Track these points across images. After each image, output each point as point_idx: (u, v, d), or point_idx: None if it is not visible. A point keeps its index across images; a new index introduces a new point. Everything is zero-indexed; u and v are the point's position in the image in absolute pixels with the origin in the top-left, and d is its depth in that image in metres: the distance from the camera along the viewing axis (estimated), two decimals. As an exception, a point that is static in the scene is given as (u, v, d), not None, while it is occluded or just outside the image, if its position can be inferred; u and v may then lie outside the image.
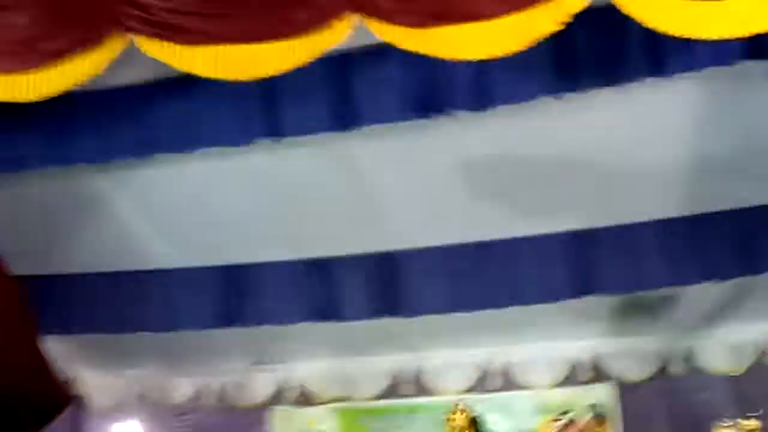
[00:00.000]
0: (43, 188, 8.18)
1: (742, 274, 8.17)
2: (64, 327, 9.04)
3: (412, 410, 11.14)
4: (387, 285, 8.88)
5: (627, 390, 10.59)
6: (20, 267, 7.83)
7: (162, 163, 7.79)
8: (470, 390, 10.98)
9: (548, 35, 5.27)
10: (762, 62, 6.66)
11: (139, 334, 9.12)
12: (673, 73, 6.71)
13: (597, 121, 7.44)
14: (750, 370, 10.27)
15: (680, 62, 6.62)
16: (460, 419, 8.50)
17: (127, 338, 9.35)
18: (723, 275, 8.20)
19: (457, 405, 8.83)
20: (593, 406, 10.57)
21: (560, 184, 8.02)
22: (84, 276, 8.86)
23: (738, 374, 10.32)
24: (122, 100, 7.40)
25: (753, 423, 8.05)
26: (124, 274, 8.83)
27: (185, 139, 7.36)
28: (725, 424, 8.12)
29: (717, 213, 8.14)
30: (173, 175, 8.07)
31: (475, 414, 8.53)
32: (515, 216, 8.36)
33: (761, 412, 9.94)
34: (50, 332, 9.12)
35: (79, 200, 8.27)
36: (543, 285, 8.69)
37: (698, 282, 8.27)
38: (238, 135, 7.35)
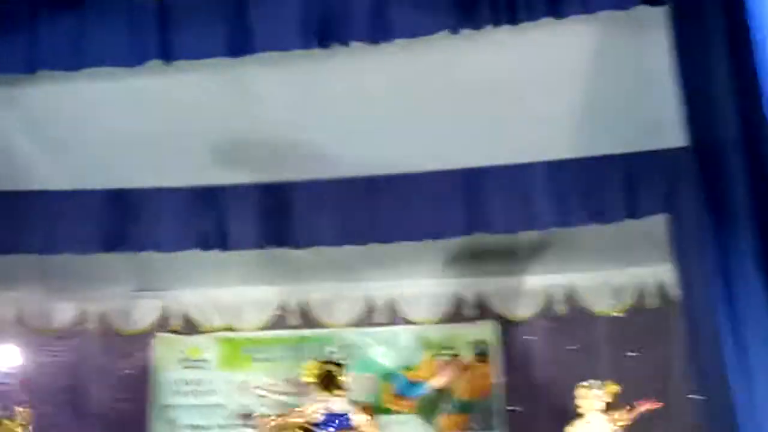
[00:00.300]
0: (-77, 103, 7.91)
1: (626, 217, 8.30)
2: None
3: (297, 341, 11.17)
4: (276, 215, 8.81)
5: (510, 328, 10.78)
6: None
7: (47, 80, 7.55)
8: (355, 323, 11.06)
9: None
10: (656, 7, 6.74)
11: (19, 255, 8.90)
12: (569, 14, 6.75)
13: (493, 59, 7.46)
14: (629, 311, 10.55)
15: (576, 4, 6.67)
16: (313, 373, 8.46)
17: (7, 259, 9.13)
18: (607, 218, 8.33)
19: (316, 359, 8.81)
20: (476, 343, 10.77)
21: (453, 121, 8.03)
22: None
23: (618, 315, 10.60)
24: (8, 14, 7.13)
25: (614, 387, 8.28)
26: (5, 194, 8.59)
27: (72, 57, 7.14)
28: (586, 384, 8.33)
29: (604, 156, 8.25)
30: (59, 94, 7.84)
31: (332, 366, 8.49)
32: (406, 151, 8.36)
33: (640, 350, 10.28)
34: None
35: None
36: (431, 221, 8.72)
37: (583, 224, 8.40)
38: (129, 55, 7.15)
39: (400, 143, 8.28)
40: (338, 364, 8.55)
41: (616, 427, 8.22)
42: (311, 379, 8.29)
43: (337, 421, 8.08)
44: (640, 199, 8.21)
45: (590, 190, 8.24)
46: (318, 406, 8.16)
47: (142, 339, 11.12)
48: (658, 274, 10.31)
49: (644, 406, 8.36)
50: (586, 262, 10.20)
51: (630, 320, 10.52)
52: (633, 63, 7.43)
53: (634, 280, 10.52)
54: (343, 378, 8.37)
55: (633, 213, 8.25)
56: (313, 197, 8.77)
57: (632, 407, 8.36)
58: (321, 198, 8.76)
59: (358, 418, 8.14)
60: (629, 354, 10.40)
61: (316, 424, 8.10)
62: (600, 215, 8.28)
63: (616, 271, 10.47)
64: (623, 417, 8.26)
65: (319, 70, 7.62)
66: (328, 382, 8.24)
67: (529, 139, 8.14)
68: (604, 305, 10.60)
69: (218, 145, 8.27)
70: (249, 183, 8.72)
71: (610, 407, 8.27)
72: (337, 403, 8.19)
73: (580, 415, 8.31)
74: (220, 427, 10.88)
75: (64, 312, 11.09)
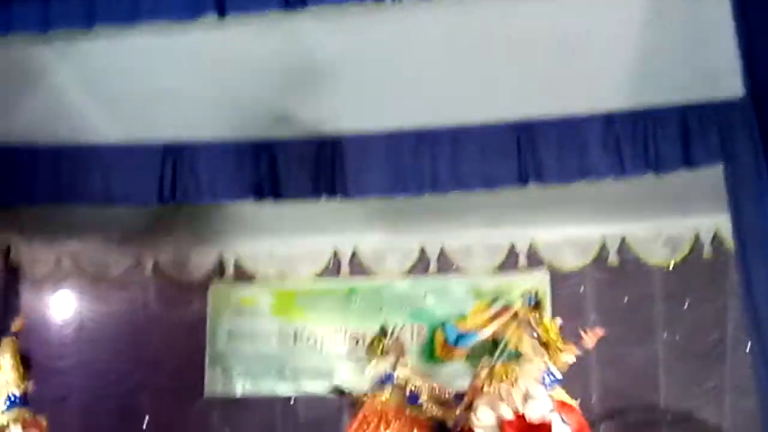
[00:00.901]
0: (-18, 58, 7.99)
1: (681, 167, 8.23)
2: (2, 197, 8.93)
3: (350, 292, 11.25)
4: (328, 166, 8.84)
5: (562, 278, 10.78)
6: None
7: (104, 35, 7.61)
8: (408, 273, 11.11)
9: None
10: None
11: (76, 207, 9.03)
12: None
13: (549, 9, 7.39)
14: (682, 263, 10.49)
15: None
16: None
17: (65, 210, 9.26)
18: (662, 168, 8.27)
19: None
20: (527, 293, 10.76)
21: (507, 72, 7.98)
22: (22, 147, 8.71)
23: (670, 266, 10.54)
24: (65, -30, 7.19)
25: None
26: (63, 148, 8.69)
27: (129, 12, 7.19)
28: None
29: (660, 106, 8.17)
30: (116, 49, 7.90)
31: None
32: (459, 103, 8.33)
33: (694, 302, 10.25)
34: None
35: (19, 71, 8.08)
36: (485, 172, 8.70)
37: (638, 174, 8.34)
38: (184, 9, 7.18)
39: (453, 94, 8.25)
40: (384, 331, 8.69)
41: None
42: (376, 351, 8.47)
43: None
44: (695, 149, 8.13)
45: (646, 140, 8.17)
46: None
47: (197, 288, 11.27)
48: (714, 224, 10.25)
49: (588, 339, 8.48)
50: (640, 212, 10.14)
51: (684, 271, 10.46)
52: (690, 12, 7.32)
53: (689, 231, 10.45)
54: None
55: (689, 163, 8.17)
56: (366, 149, 8.77)
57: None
58: (373, 149, 8.76)
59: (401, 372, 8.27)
60: (683, 305, 10.37)
61: None
62: (655, 165, 8.21)
63: (670, 222, 10.40)
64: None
65: (372, 24, 7.59)
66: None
67: (585, 90, 8.07)
68: (658, 256, 10.55)
69: (272, 98, 8.29)
70: (302, 135, 8.74)
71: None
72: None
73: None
74: (274, 375, 11.03)
75: (121, 261, 11.24)
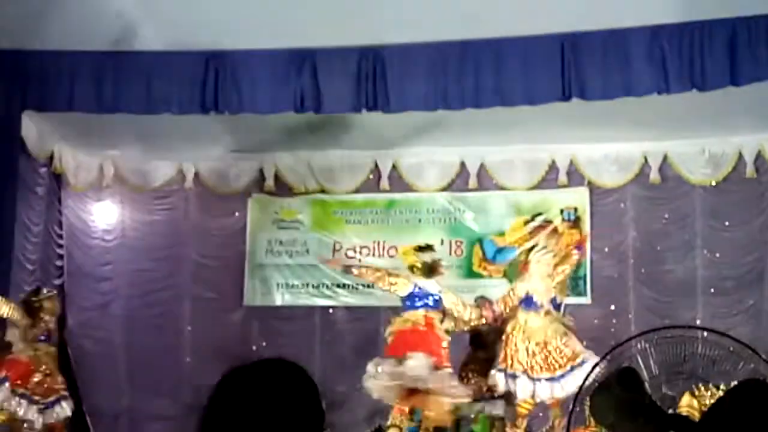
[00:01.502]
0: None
1: (727, 84, 8.12)
2: (45, 103, 8.98)
3: (388, 205, 11.28)
4: (370, 79, 8.80)
5: (601, 194, 10.74)
6: (2, 41, 7.71)
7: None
8: (447, 187, 11.10)
9: None
10: None
11: (118, 115, 9.06)
12: None
13: None
14: (724, 181, 10.41)
15: None
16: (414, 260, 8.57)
17: (107, 118, 9.30)
18: (708, 84, 8.16)
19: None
20: (567, 209, 10.75)
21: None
22: (66, 53, 8.71)
23: (712, 184, 10.47)
24: None
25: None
26: (106, 54, 8.69)
27: None
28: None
29: (707, 21, 8.03)
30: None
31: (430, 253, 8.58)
32: (503, 14, 8.23)
33: (735, 220, 10.18)
34: (31, 108, 9.12)
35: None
36: (526, 86, 8.63)
37: (683, 90, 8.23)
38: None
39: (496, 6, 8.15)
40: (430, 247, 8.66)
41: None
42: (413, 265, 8.42)
43: (429, 299, 8.20)
44: (743, 65, 7.99)
45: (692, 55, 8.04)
46: (413, 279, 8.28)
47: (237, 199, 11.33)
48: (758, 142, 10.15)
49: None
50: (683, 129, 10.04)
51: (726, 189, 10.39)
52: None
53: (732, 149, 10.35)
54: (442, 267, 8.46)
55: (735, 80, 8.05)
56: (408, 61, 8.71)
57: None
58: (415, 61, 8.70)
59: (447, 299, 8.25)
60: (724, 224, 10.32)
61: (408, 295, 8.23)
62: (701, 81, 8.10)
63: (713, 139, 10.31)
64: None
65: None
66: (429, 269, 8.35)
67: (631, 2, 7.95)
68: (700, 174, 10.46)
69: (315, 7, 8.22)
70: (344, 46, 8.69)
71: None
72: (429, 285, 8.29)
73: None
74: (313, 286, 11.13)
75: (162, 171, 11.30)
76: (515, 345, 8.00)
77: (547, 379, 7.87)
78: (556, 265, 8.25)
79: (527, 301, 8.12)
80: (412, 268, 8.36)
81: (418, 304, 8.19)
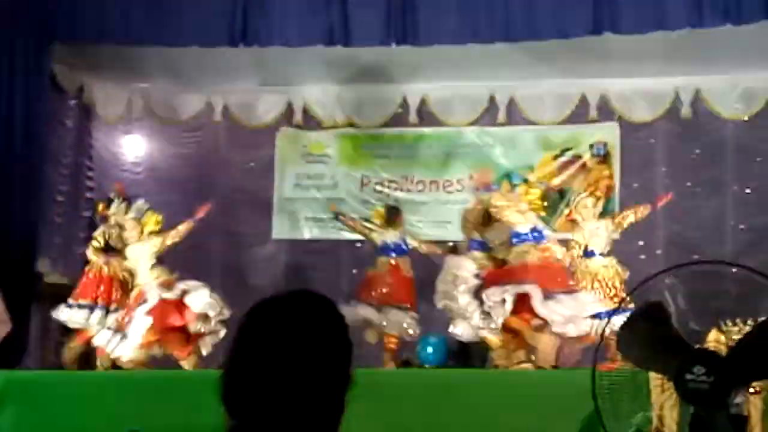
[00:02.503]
0: None
1: (762, 19, 8.01)
2: (74, 35, 8.99)
3: (416, 139, 11.24)
4: (399, 12, 8.75)
5: (632, 130, 10.65)
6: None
7: None
8: (476, 123, 11.04)
9: None
10: None
11: (147, 47, 9.05)
12: None
13: None
14: (757, 116, 10.30)
15: None
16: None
17: (136, 51, 9.30)
18: (742, 18, 8.04)
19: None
20: (597, 144, 10.68)
21: None
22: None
23: (745, 119, 10.36)
24: None
25: None
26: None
27: None
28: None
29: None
30: None
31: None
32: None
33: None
34: (61, 40, 9.12)
35: None
36: (557, 20, 8.56)
37: (716, 24, 8.13)
38: None
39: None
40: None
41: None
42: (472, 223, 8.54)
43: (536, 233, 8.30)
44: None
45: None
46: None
47: (266, 133, 11.32)
48: (790, 78, 10.03)
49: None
50: (715, 64, 9.90)
51: (758, 125, 10.28)
52: None
53: (765, 83, 10.21)
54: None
55: (768, 14, 7.95)
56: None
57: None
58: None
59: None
60: (755, 159, 10.23)
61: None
62: (735, 15, 7.99)
63: (746, 74, 10.16)
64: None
65: None
66: (486, 220, 8.44)
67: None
68: (732, 109, 10.34)
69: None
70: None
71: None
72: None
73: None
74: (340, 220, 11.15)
75: (190, 104, 11.28)
76: None
77: None
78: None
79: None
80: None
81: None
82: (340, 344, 2.15)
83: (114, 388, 6.83)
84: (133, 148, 11.29)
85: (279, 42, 8.99)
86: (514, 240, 8.24)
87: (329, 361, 2.11)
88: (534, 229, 8.29)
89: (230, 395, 2.09)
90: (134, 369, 8.32)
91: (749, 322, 3.71)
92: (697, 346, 3.80)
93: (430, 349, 9.10)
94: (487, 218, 8.45)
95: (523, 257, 8.14)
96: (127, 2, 8.72)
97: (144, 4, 8.70)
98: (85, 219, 10.46)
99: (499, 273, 8.22)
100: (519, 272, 8.02)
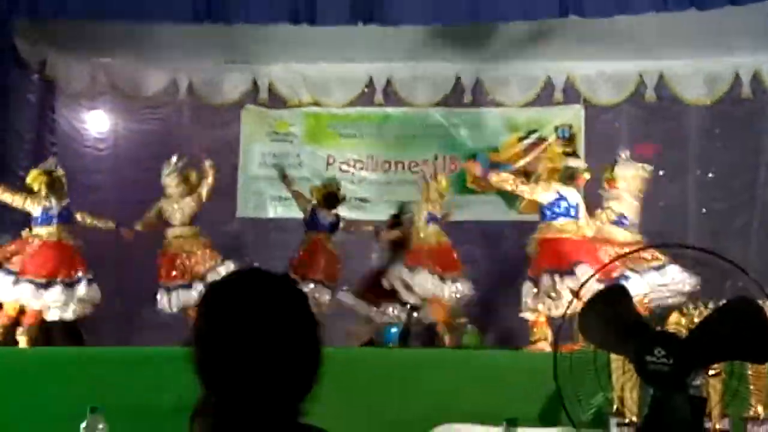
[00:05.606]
0: None
1: (726, 3, 8.05)
2: (35, 9, 8.86)
3: (382, 119, 11.24)
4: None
5: (596, 112, 10.71)
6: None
7: None
8: (441, 104, 11.05)
9: None
10: None
11: (111, 21, 8.96)
12: None
13: None
14: (720, 102, 10.38)
15: None
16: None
17: (99, 26, 9.20)
18: (707, 3, 8.09)
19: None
20: (561, 127, 10.72)
21: None
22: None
23: (708, 104, 10.44)
24: None
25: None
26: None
27: None
28: None
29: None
30: None
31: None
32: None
33: (730, 141, 10.17)
34: (23, 15, 9.01)
35: None
36: (523, 3, 8.56)
37: (681, 8, 8.16)
38: None
39: None
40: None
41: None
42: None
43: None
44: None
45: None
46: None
47: (230, 111, 11.28)
48: (754, 63, 10.10)
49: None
50: (680, 48, 9.97)
51: (721, 110, 10.36)
52: None
53: (728, 69, 10.29)
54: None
55: (731, -1, 8.00)
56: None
57: None
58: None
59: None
60: (718, 145, 10.31)
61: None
62: (699, 0, 8.03)
63: (710, 59, 10.25)
64: None
65: None
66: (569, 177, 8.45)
67: None
68: (696, 94, 10.42)
69: None
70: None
71: None
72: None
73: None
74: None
75: (155, 80, 11.20)
76: None
77: None
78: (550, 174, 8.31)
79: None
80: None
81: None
82: (304, 313, 2.19)
83: (75, 366, 6.74)
84: (96, 124, 11.19)
85: (244, 19, 8.92)
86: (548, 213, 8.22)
87: (296, 329, 2.17)
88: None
89: (204, 368, 2.12)
90: None
91: (710, 305, 3.75)
92: (659, 328, 3.83)
93: (393, 329, 9.15)
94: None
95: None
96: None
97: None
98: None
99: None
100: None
